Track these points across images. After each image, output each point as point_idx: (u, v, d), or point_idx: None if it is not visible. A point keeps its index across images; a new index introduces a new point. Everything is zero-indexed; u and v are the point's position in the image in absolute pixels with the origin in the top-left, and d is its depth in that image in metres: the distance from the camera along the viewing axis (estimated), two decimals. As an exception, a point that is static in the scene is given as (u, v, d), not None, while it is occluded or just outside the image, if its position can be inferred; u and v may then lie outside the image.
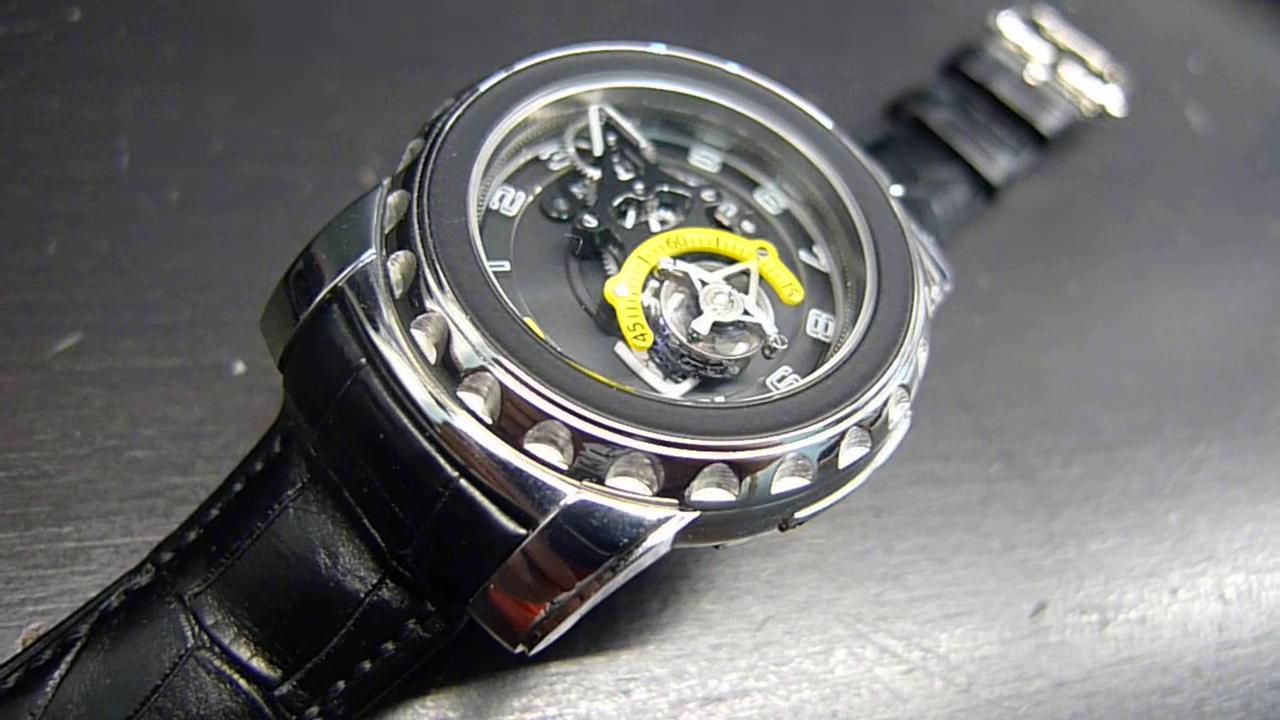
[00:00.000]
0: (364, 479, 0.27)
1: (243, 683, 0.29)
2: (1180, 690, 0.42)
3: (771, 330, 0.30)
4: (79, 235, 0.40)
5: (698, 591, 0.39)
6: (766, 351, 0.30)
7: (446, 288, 0.26)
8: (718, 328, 0.30)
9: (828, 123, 0.35)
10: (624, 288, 0.30)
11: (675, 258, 0.32)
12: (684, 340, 0.29)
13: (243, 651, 0.29)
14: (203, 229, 0.42)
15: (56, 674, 0.29)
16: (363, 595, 0.29)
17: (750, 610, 0.39)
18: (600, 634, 0.37)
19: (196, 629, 0.29)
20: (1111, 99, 0.57)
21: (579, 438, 0.25)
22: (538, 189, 0.33)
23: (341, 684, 0.29)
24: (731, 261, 0.32)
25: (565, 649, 0.36)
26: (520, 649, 0.27)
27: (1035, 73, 0.57)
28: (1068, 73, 0.58)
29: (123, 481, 0.35)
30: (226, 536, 0.30)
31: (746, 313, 0.30)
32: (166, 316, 0.39)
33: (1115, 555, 0.45)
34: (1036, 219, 0.58)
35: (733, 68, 0.35)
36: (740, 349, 0.30)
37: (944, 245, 0.51)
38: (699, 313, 0.30)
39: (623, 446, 0.25)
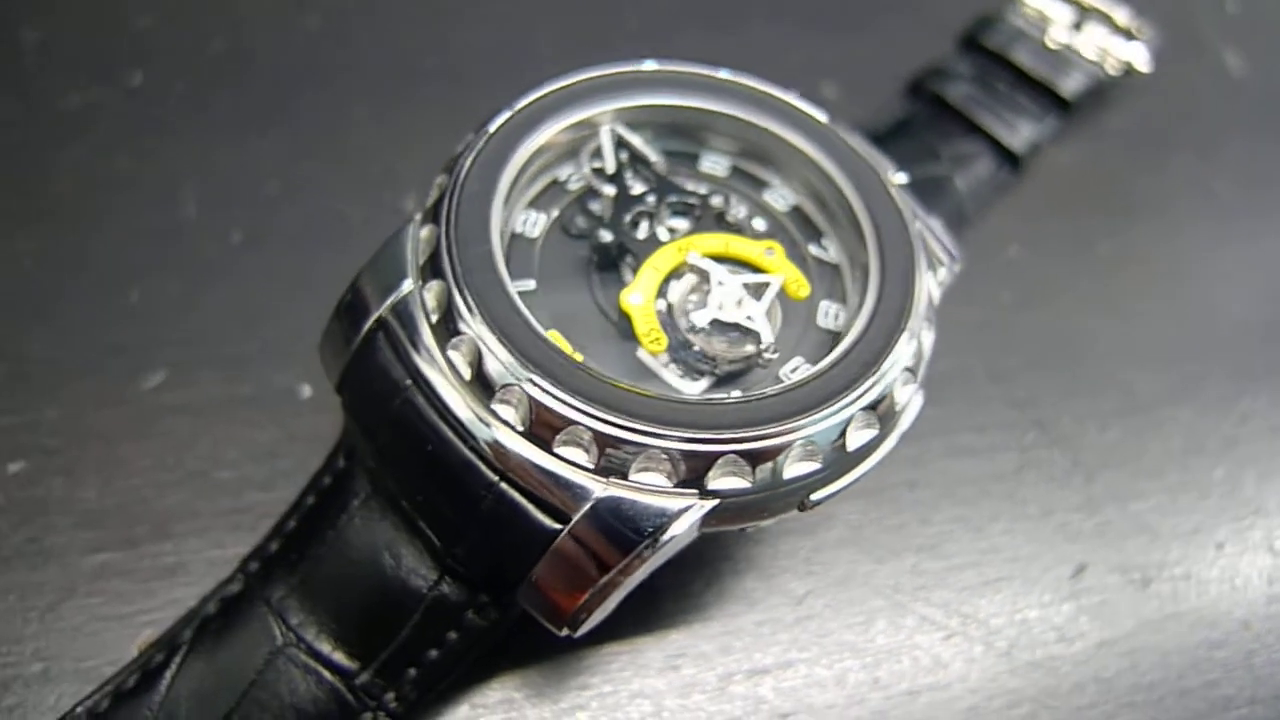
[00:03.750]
0: (417, 487, 0.31)
1: (327, 674, 0.32)
2: (1228, 644, 0.42)
3: (767, 341, 0.32)
4: (156, 281, 0.45)
5: (739, 572, 0.41)
6: (761, 360, 0.32)
7: (475, 311, 0.29)
8: (718, 325, 0.32)
9: (822, 116, 0.37)
10: (638, 296, 0.32)
11: (706, 257, 0.34)
12: (682, 330, 0.32)
13: (325, 646, 0.33)
14: (265, 266, 0.46)
15: (168, 674, 0.33)
16: (425, 591, 0.32)
17: (790, 587, 0.41)
18: (649, 616, 0.39)
19: (284, 628, 0.33)
20: (1138, 56, 0.57)
21: (601, 439, 0.28)
22: (558, 209, 0.36)
23: (413, 671, 0.32)
24: (758, 270, 0.34)
25: (618, 631, 0.39)
26: (565, 632, 0.30)
27: (1057, 36, 0.57)
28: (1092, 32, 0.57)
29: (212, 501, 0.39)
30: (304, 545, 0.34)
31: (750, 318, 0.32)
32: (239, 349, 0.43)
33: (1158, 514, 0.45)
34: (1065, 183, 0.57)
35: (724, 74, 0.37)
36: (739, 351, 0.32)
37: (968, 221, 0.52)
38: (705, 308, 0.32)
39: (641, 444, 0.28)
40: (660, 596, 0.40)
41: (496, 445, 0.29)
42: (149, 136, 0.50)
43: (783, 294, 0.34)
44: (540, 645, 0.38)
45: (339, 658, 0.32)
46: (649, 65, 0.36)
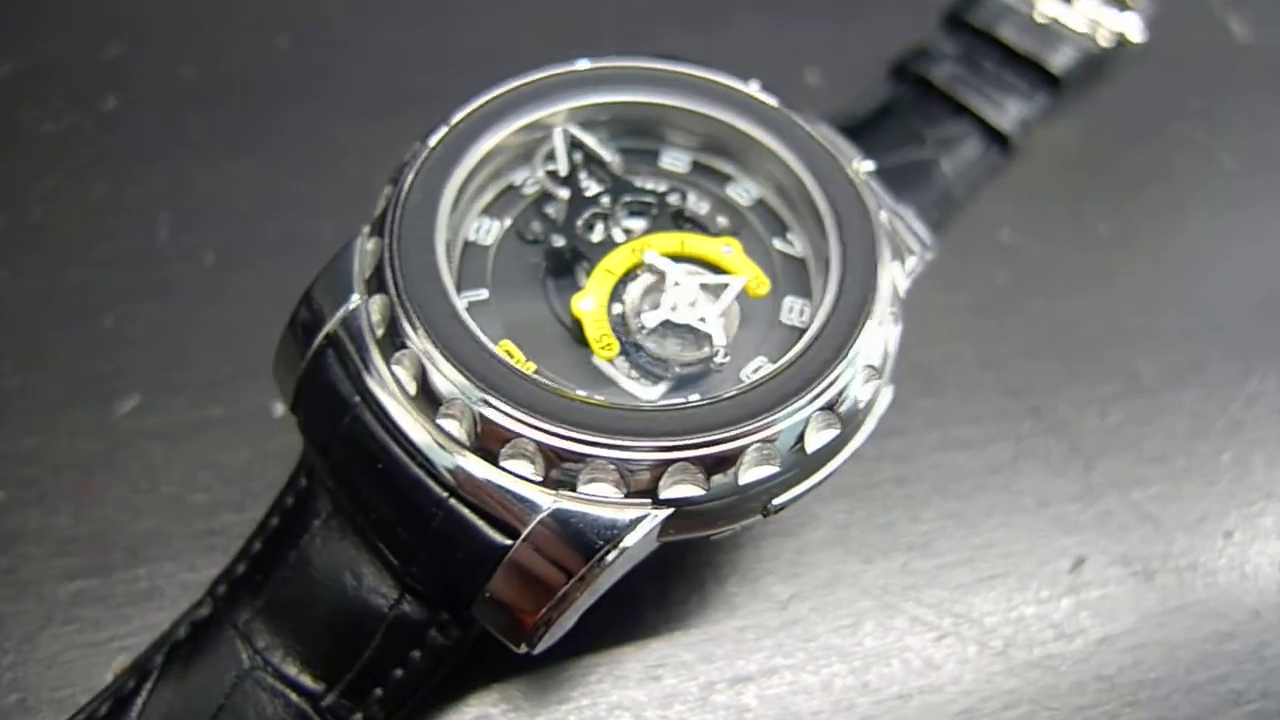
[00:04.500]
0: (371, 505, 0.30)
1: (293, 696, 0.32)
2: (1238, 635, 0.40)
3: (719, 344, 0.31)
4: (130, 307, 0.45)
5: (721, 577, 0.40)
6: (713, 364, 0.31)
7: (418, 325, 0.29)
8: (670, 327, 0.31)
9: (782, 106, 0.35)
10: (590, 301, 0.32)
11: (666, 256, 0.33)
12: (634, 332, 0.31)
13: (290, 669, 0.32)
14: (237, 286, 0.46)
15: (139, 700, 0.33)
16: (386, 610, 0.31)
17: (774, 590, 0.40)
18: (630, 625, 0.39)
19: (250, 652, 0.33)
20: (1131, 26, 0.55)
21: (546, 451, 0.27)
22: (513, 215, 0.35)
23: (379, 691, 0.32)
24: (718, 268, 0.33)
25: (596, 641, 0.38)
26: (524, 649, 0.29)
27: (1045, 9, 0.55)
28: (1082, 4, 0.55)
29: (185, 524, 0.39)
30: (269, 567, 0.33)
31: (703, 319, 0.31)
32: (212, 371, 0.43)
33: (1161, 502, 0.44)
34: (1060, 161, 0.56)
35: (677, 66, 0.36)
36: (693, 353, 0.31)
37: (957, 205, 0.51)
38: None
39: (587, 455, 0.27)
40: (640, 604, 0.39)
41: (444, 461, 0.28)
42: (123, 161, 0.50)
43: (742, 293, 0.33)
44: (517, 659, 0.37)
45: (305, 680, 0.32)
46: (581, 63, 0.35)
